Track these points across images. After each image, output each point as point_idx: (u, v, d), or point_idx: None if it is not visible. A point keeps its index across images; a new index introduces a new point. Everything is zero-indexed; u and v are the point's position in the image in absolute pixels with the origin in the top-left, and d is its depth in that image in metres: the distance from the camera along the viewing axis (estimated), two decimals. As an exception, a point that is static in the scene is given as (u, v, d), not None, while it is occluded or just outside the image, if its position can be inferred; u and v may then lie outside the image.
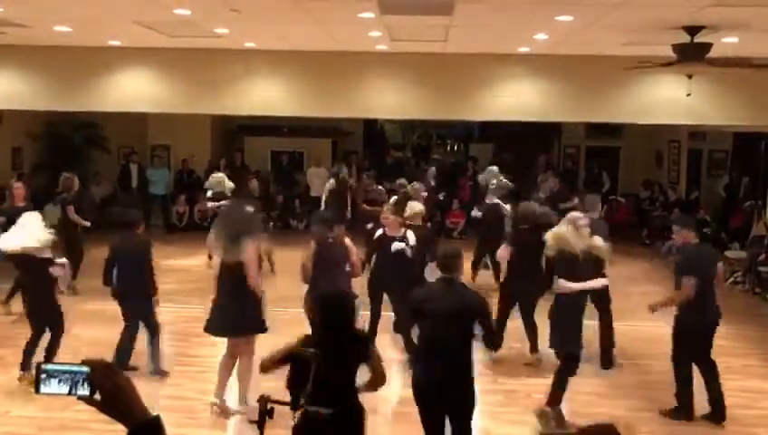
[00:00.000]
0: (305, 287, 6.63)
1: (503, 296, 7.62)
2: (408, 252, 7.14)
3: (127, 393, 1.65)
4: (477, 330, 4.67)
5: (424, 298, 4.72)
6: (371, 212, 9.67)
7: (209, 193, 11.50)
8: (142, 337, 6.96)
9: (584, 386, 6.85)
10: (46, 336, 6.74)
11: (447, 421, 4.68)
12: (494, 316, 5.95)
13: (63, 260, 6.64)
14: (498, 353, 7.32)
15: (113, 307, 7.02)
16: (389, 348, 7.65)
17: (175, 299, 8.92)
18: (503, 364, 7.35)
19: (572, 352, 5.93)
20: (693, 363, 6.10)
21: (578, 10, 7.08)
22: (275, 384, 3.99)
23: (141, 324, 6.88)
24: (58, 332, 6.67)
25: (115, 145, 16.06)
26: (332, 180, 13.38)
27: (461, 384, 4.54)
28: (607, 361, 7.37)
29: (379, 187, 11.76)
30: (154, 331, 6.85)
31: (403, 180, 11.38)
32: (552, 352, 6.27)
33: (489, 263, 10.44)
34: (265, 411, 3.29)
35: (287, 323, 6.81)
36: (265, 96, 11.18)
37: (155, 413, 1.69)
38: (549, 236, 6.15)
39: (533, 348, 7.42)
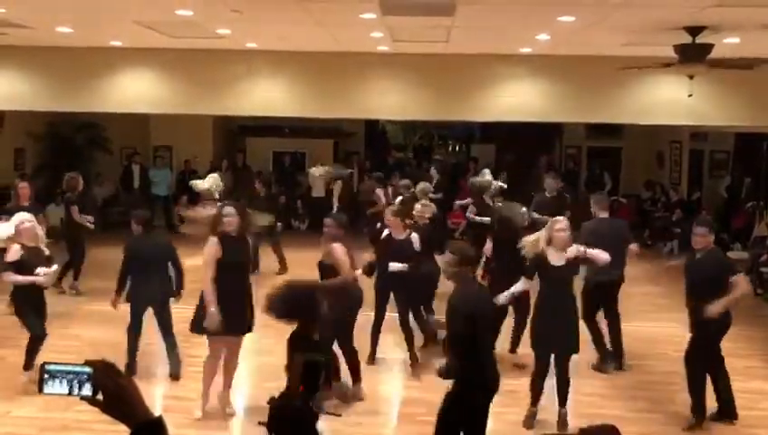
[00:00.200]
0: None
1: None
2: (405, 267, 7.10)
3: (129, 394, 1.66)
4: None
5: None
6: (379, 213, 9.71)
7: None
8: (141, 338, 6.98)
9: (587, 387, 6.86)
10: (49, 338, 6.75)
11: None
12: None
13: (45, 270, 6.54)
14: (498, 352, 7.32)
15: (113, 308, 7.03)
16: (393, 348, 7.65)
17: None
18: (502, 364, 7.33)
19: (536, 353, 5.97)
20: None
21: (579, 10, 7.08)
22: (277, 384, 3.98)
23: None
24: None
25: (117, 146, 16.07)
26: (339, 182, 13.39)
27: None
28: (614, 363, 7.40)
29: (382, 188, 11.73)
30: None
31: (407, 181, 11.41)
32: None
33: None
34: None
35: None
36: (267, 97, 11.19)
37: (157, 414, 1.69)
38: (525, 240, 6.31)
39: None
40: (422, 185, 10.09)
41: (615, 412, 6.05)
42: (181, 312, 8.51)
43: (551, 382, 5.98)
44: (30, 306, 6.58)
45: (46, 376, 1.68)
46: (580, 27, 7.92)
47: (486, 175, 11.58)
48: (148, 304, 6.89)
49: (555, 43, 9.26)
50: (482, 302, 4.77)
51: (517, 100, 10.93)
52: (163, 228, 14.90)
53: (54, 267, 6.76)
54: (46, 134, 14.98)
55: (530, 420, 6.00)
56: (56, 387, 1.67)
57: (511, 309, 7.28)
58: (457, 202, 11.62)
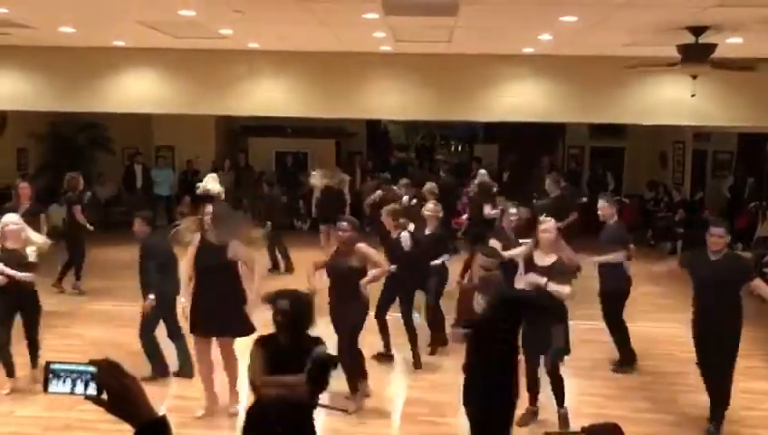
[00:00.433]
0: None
1: None
2: (393, 268, 6.97)
3: (134, 393, 1.66)
4: None
5: None
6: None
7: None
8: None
9: (589, 387, 6.86)
10: (51, 338, 6.76)
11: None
12: None
13: (27, 275, 6.49)
14: None
15: (116, 307, 7.04)
16: (397, 348, 7.65)
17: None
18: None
19: (524, 354, 5.87)
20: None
21: (582, 11, 7.07)
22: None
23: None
24: None
25: (119, 146, 16.10)
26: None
27: None
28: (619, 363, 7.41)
29: (393, 187, 11.69)
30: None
31: (406, 180, 11.45)
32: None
33: None
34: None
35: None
36: (269, 97, 11.19)
37: (161, 413, 1.69)
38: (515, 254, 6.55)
39: None
40: (428, 185, 10.11)
41: (618, 412, 6.04)
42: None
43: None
44: None
45: (51, 375, 1.69)
46: (583, 27, 7.91)
47: (485, 176, 11.81)
48: (169, 303, 6.73)
49: (558, 44, 9.25)
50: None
51: (520, 100, 10.92)
52: (165, 228, 14.94)
53: (29, 275, 6.42)
54: (48, 134, 15.01)
55: (525, 418, 5.96)
56: (61, 386, 1.67)
57: None
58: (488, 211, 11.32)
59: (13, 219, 6.52)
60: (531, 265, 6.00)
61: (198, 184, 12.72)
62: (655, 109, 10.76)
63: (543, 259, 5.95)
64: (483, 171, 12.28)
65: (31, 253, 6.46)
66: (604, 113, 11.30)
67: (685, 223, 14.22)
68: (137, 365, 6.36)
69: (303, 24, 8.20)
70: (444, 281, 7.97)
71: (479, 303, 4.99)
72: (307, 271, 6.39)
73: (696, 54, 7.65)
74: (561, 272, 5.95)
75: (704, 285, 5.86)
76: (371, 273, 6.22)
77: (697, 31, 7.46)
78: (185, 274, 6.04)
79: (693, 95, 8.83)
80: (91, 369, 1.65)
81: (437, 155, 22.57)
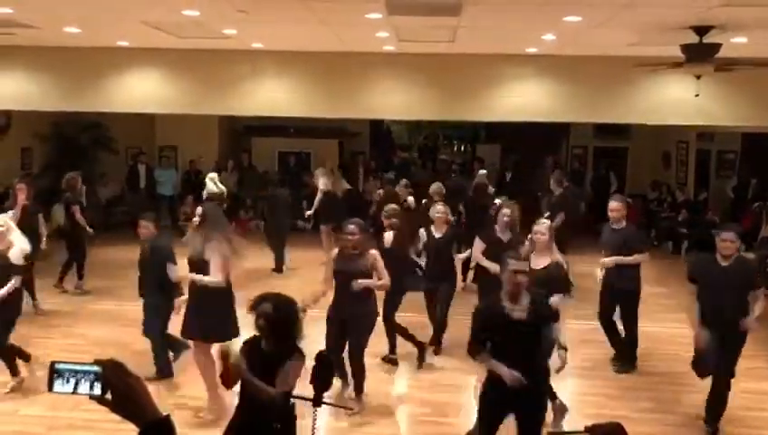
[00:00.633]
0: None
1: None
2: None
3: (138, 393, 1.66)
4: None
5: None
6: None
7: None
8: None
9: (591, 387, 6.85)
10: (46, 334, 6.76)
11: None
12: None
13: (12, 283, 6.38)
14: None
15: (118, 307, 7.05)
16: (400, 348, 7.65)
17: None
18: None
19: None
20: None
21: (586, 10, 7.06)
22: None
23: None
24: None
25: (122, 146, 16.12)
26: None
27: None
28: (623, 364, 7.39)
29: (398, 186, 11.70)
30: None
31: (405, 181, 11.49)
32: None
33: None
34: (286, 407, 3.30)
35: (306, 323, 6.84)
36: (272, 97, 11.21)
37: (165, 413, 1.70)
38: None
39: None
40: (435, 186, 10.11)
41: (620, 412, 6.03)
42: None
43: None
44: None
45: (55, 375, 1.69)
46: (587, 27, 7.90)
47: (483, 177, 11.94)
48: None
49: (561, 44, 9.24)
50: None
51: (523, 100, 10.92)
52: (169, 228, 14.97)
53: (10, 284, 6.26)
54: (52, 134, 15.03)
55: None
56: (65, 386, 1.68)
57: None
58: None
59: None
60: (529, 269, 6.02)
61: (205, 182, 12.77)
62: (659, 109, 10.75)
63: (538, 262, 5.98)
64: (482, 172, 12.33)
65: (14, 256, 6.39)
66: (608, 113, 11.29)
67: (688, 223, 14.21)
68: (140, 365, 6.40)
69: (307, 24, 8.21)
70: (454, 285, 7.94)
71: None
72: (327, 276, 6.30)
73: (700, 54, 7.63)
74: (557, 275, 5.98)
75: (715, 291, 5.74)
76: (372, 282, 6.12)
77: (701, 31, 7.44)
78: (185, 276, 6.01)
79: (697, 95, 8.82)
80: (96, 369, 1.66)
81: (441, 155, 22.56)
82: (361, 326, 6.17)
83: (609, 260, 7.11)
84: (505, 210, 7.44)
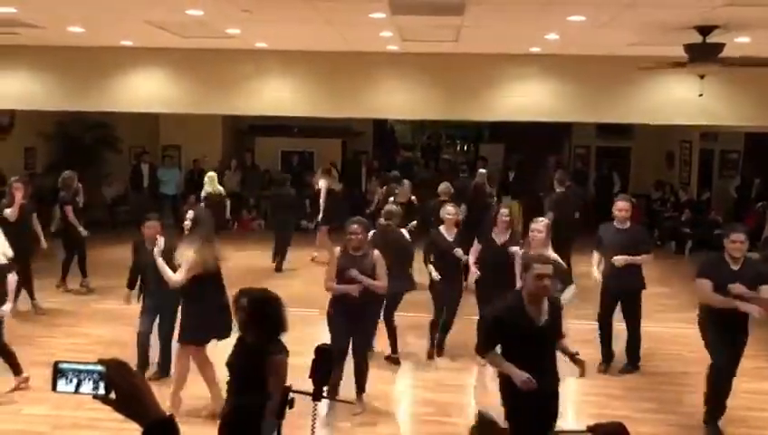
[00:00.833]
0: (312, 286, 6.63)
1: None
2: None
3: (142, 393, 1.67)
4: None
5: None
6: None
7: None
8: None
9: (593, 387, 6.85)
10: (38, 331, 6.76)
11: None
12: None
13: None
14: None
15: (121, 306, 7.06)
16: (403, 347, 7.65)
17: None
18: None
19: None
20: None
21: (590, 10, 7.06)
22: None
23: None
24: None
25: (126, 145, 16.14)
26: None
27: None
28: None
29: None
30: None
31: (407, 181, 11.53)
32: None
33: None
34: (286, 401, 3.29)
35: (307, 323, 6.85)
36: (276, 96, 11.21)
37: (168, 413, 1.71)
38: None
39: None
40: (443, 186, 10.12)
41: (623, 412, 6.02)
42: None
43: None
44: None
45: (59, 375, 1.70)
46: (590, 27, 7.90)
47: (483, 177, 11.96)
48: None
49: (565, 43, 9.24)
50: None
51: (526, 99, 10.91)
52: (172, 228, 14.99)
53: None
54: (56, 134, 15.06)
55: None
56: (69, 385, 1.69)
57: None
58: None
59: None
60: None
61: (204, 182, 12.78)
62: (662, 108, 10.73)
63: None
64: (482, 171, 12.34)
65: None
66: (611, 113, 11.28)
67: (691, 223, 14.19)
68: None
69: (310, 24, 8.21)
70: (461, 287, 7.89)
71: None
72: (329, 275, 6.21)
73: (703, 54, 7.62)
74: (558, 268, 5.98)
75: (727, 295, 5.63)
76: (371, 281, 6.06)
77: (705, 30, 7.43)
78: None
79: (700, 95, 8.81)
80: (100, 368, 1.66)
81: (444, 154, 22.58)
82: (367, 324, 6.17)
83: (621, 259, 7.04)
84: (503, 210, 7.42)
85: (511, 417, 4.58)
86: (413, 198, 10.88)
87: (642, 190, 16.48)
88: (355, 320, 6.06)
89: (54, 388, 1.70)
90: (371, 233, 7.07)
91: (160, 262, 6.06)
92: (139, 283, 6.85)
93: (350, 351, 6.16)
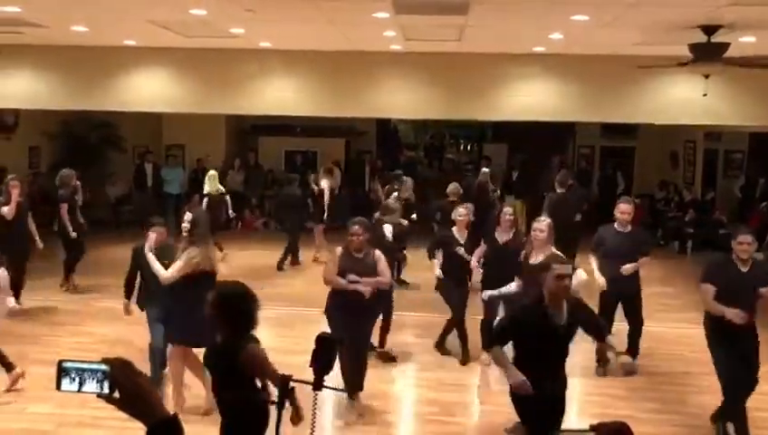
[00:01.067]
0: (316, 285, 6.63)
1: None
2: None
3: (146, 392, 1.67)
4: None
5: None
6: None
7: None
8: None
9: (596, 387, 6.84)
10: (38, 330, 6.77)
11: None
12: None
13: None
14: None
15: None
16: (406, 347, 7.66)
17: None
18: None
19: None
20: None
21: (594, 10, 7.05)
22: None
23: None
24: None
25: (130, 145, 16.18)
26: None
27: None
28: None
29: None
30: None
31: (407, 178, 11.58)
32: None
33: None
34: (286, 391, 3.28)
35: (308, 321, 6.85)
36: (280, 96, 11.22)
37: (172, 412, 1.71)
38: None
39: None
40: (452, 186, 10.14)
41: (626, 412, 6.02)
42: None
43: None
44: None
45: (63, 374, 1.70)
46: (594, 26, 7.89)
47: (486, 175, 12.10)
48: None
49: (569, 43, 9.22)
50: None
51: (530, 99, 10.90)
52: (175, 227, 15.01)
53: None
54: (61, 133, 15.10)
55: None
56: (73, 384, 1.69)
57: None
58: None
59: None
60: (527, 265, 6.22)
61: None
62: (666, 108, 10.71)
63: (537, 258, 6.04)
64: (485, 170, 12.37)
65: None
66: (615, 113, 11.26)
67: (695, 223, 14.16)
68: (147, 363, 6.44)
69: (314, 23, 8.22)
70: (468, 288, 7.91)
71: None
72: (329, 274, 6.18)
73: (708, 53, 7.60)
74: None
75: (735, 297, 5.55)
76: (375, 280, 6.07)
77: (710, 30, 7.42)
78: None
79: (705, 94, 8.79)
80: (104, 367, 1.67)
81: (447, 154, 22.57)
82: (368, 321, 6.19)
83: (630, 267, 7.03)
84: (507, 209, 7.46)
85: (522, 419, 4.62)
86: (407, 195, 10.85)
87: (646, 190, 16.47)
88: (354, 315, 6.04)
89: (59, 387, 1.70)
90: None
91: (151, 257, 6.03)
92: (137, 291, 6.69)
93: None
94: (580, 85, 10.77)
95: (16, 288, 8.97)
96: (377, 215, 7.73)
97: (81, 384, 1.68)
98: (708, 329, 5.82)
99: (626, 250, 7.10)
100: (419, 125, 22.98)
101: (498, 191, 13.02)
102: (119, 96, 11.35)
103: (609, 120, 13.10)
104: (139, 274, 6.48)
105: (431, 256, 7.63)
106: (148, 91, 11.33)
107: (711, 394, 6.08)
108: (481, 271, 7.39)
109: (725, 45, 7.56)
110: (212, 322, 3.97)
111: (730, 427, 5.84)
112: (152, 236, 6.23)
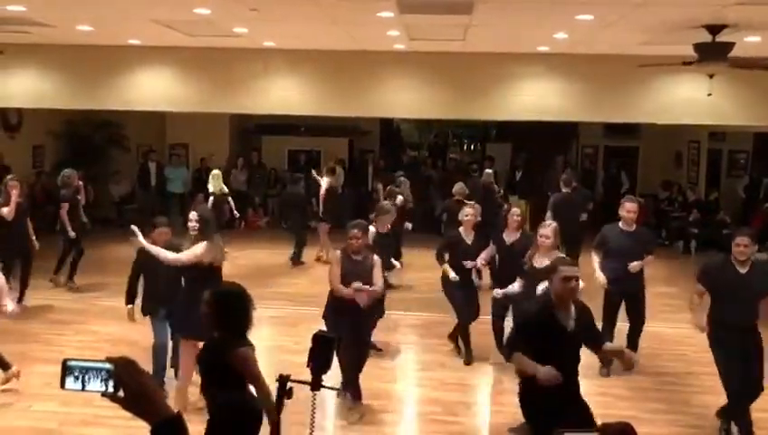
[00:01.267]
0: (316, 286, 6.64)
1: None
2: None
3: (150, 391, 1.67)
4: None
5: None
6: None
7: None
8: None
9: (600, 387, 6.83)
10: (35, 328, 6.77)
11: None
12: None
13: None
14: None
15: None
16: (407, 347, 7.65)
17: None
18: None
19: None
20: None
21: (598, 9, 7.04)
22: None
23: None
24: None
25: (134, 144, 16.20)
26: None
27: None
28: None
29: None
30: None
31: (406, 179, 11.61)
32: None
33: None
34: (284, 391, 3.27)
35: (312, 321, 6.85)
36: (284, 95, 11.22)
37: (176, 411, 1.71)
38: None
39: None
40: (458, 186, 10.14)
41: (629, 413, 6.01)
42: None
43: None
44: None
45: (67, 372, 1.70)
46: (599, 26, 7.88)
47: (490, 176, 12.09)
48: None
49: (573, 42, 9.21)
50: None
51: (534, 99, 10.89)
52: (179, 226, 15.03)
53: None
54: (65, 132, 15.13)
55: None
56: (77, 383, 1.69)
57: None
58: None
59: None
60: (532, 268, 6.27)
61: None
62: (670, 108, 10.69)
63: (543, 261, 6.06)
64: (488, 171, 12.36)
65: None
66: (619, 112, 11.23)
67: (699, 223, 14.13)
68: (151, 362, 6.44)
69: (318, 23, 8.22)
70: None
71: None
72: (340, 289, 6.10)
73: (713, 53, 7.58)
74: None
75: (734, 298, 5.57)
76: (371, 289, 6.06)
77: (715, 29, 7.40)
78: None
79: (709, 94, 8.77)
80: (108, 366, 1.67)
81: (451, 154, 22.53)
82: (369, 319, 6.20)
83: (637, 265, 7.04)
84: (515, 210, 7.46)
85: (531, 422, 4.60)
86: (400, 198, 10.79)
87: (650, 190, 16.44)
88: (353, 317, 6.04)
89: (63, 385, 1.71)
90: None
91: (148, 245, 5.94)
92: (141, 298, 6.62)
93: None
94: (585, 85, 10.75)
95: (22, 287, 9.02)
96: (371, 216, 7.77)
97: (85, 383, 1.68)
98: (710, 329, 5.81)
99: (631, 250, 7.09)
100: (423, 125, 22.93)
101: (502, 191, 13.02)
102: (123, 95, 11.37)
103: (613, 119, 13.07)
104: (141, 277, 6.41)
105: (441, 260, 7.44)
106: (152, 90, 11.34)
107: (715, 394, 6.06)
108: (483, 266, 7.41)
109: (730, 45, 7.54)
110: (207, 320, 3.97)
111: (733, 427, 5.84)
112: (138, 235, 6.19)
